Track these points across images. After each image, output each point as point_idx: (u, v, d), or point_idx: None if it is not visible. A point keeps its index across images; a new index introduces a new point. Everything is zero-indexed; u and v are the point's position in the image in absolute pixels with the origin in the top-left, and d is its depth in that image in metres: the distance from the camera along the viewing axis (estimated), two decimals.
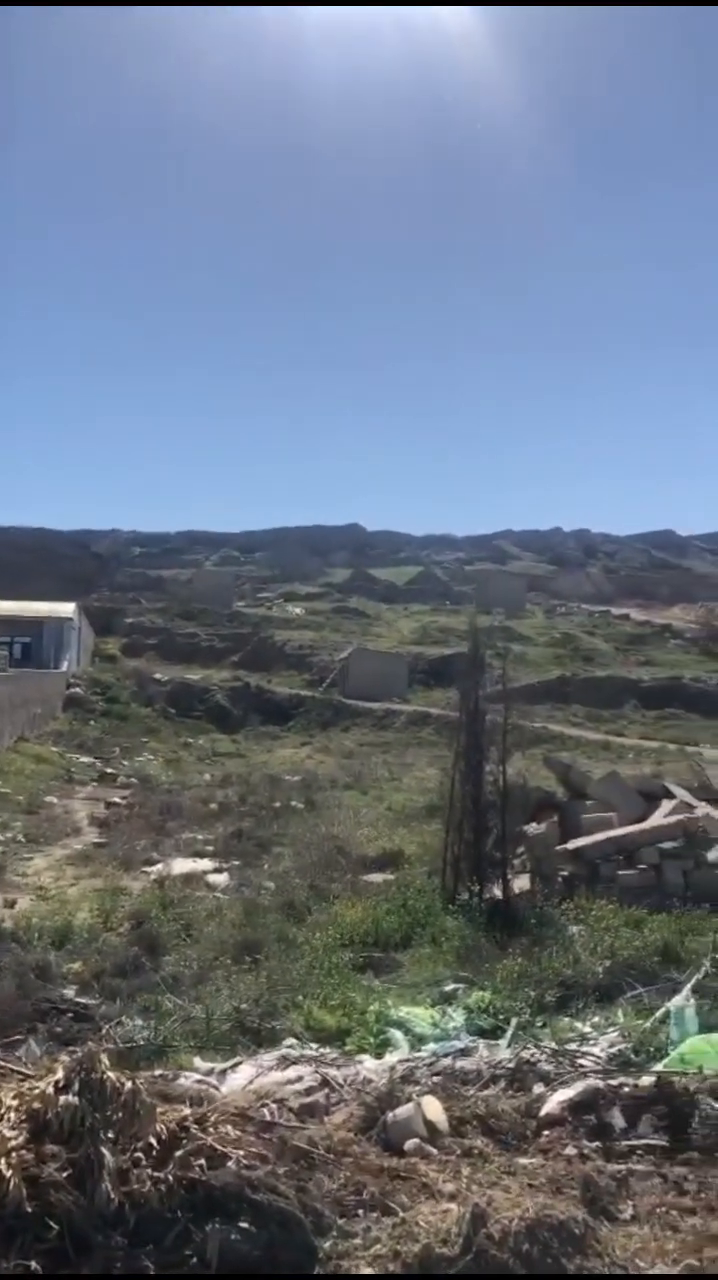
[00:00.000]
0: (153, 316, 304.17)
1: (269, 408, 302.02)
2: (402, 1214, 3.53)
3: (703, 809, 14.31)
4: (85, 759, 32.46)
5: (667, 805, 14.34)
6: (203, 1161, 3.39)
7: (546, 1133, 4.79)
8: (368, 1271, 3.10)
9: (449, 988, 8.44)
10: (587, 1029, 7.30)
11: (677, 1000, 7.21)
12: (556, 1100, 5.05)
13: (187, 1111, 3.81)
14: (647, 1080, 5.14)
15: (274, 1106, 4.24)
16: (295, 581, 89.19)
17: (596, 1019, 7.64)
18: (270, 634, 62.95)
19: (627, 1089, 5.03)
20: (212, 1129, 3.64)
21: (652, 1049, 6.59)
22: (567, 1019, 7.69)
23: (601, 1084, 5.12)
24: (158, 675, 51.81)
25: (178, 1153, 3.40)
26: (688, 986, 7.68)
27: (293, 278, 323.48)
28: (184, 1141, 3.49)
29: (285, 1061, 6.56)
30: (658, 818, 13.81)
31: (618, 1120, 4.76)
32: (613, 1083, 5.15)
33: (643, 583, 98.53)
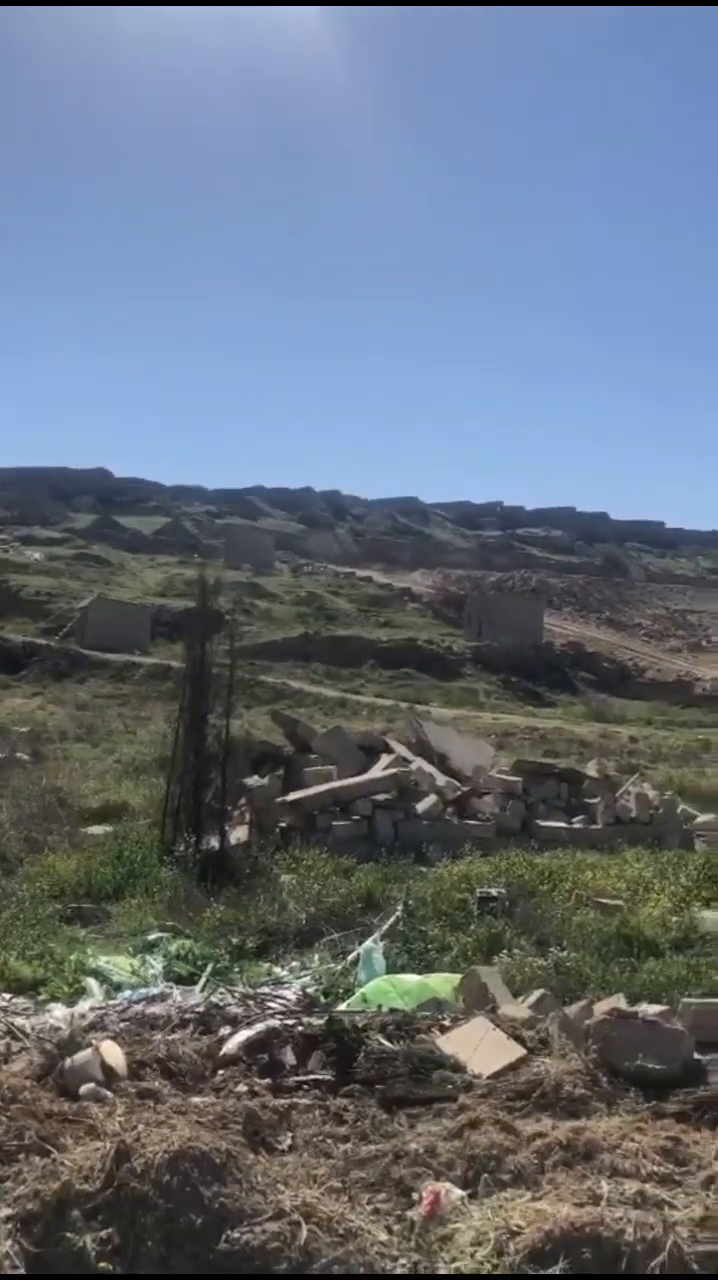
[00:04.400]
0: None
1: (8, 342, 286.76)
2: (55, 1155, 3.55)
3: (418, 763, 15.03)
4: None
5: (385, 760, 14.94)
6: None
7: (221, 1072, 4.93)
8: (7, 1212, 3.10)
9: (153, 936, 8.47)
10: (283, 973, 7.55)
11: (367, 944, 7.57)
12: (235, 1041, 5.19)
13: None
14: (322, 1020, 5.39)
15: None
16: (35, 525, 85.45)
17: (294, 964, 7.90)
18: (5, 579, 60.09)
19: (300, 1028, 5.25)
20: None
21: (341, 990, 6.90)
22: (266, 964, 7.92)
23: (278, 1024, 5.32)
24: None
25: None
26: (380, 931, 8.08)
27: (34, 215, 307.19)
28: None
29: None
30: (376, 771, 14.37)
31: (289, 1058, 4.97)
32: (289, 1022, 5.36)
33: (387, 547, 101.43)
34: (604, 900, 10.05)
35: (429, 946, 8.10)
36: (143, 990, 6.83)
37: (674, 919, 9.52)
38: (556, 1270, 2.99)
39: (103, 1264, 3.02)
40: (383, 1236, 3.32)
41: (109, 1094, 4.57)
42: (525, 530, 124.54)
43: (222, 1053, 5.12)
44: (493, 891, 9.77)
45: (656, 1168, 3.80)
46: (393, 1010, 5.83)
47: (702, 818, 15.25)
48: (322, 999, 6.64)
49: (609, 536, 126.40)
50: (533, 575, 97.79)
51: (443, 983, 6.76)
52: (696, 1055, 4.94)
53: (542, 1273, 3.00)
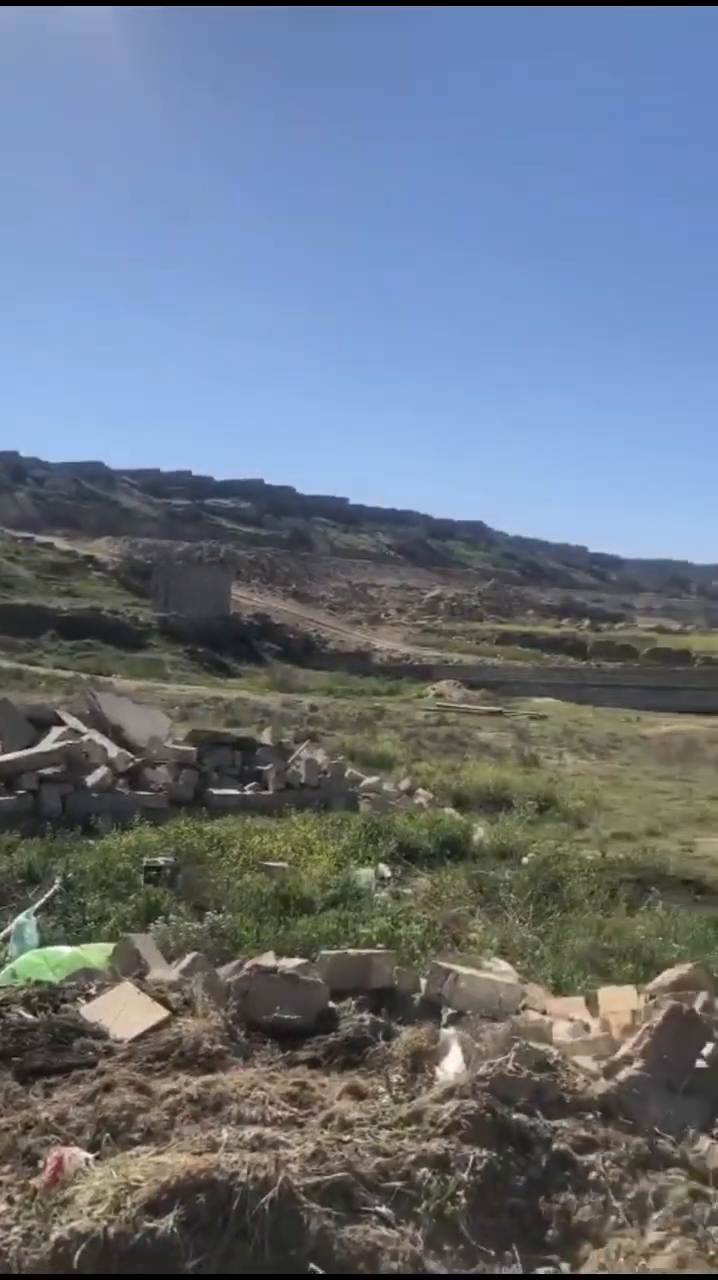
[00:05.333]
0: None
1: None
2: None
3: (90, 735, 14.72)
4: None
5: (56, 732, 14.52)
6: None
7: None
8: None
9: None
10: None
11: (19, 919, 7.37)
12: None
13: None
14: None
15: None
16: None
17: None
18: None
19: None
20: None
21: None
22: None
23: None
24: None
25: None
26: (35, 905, 7.89)
27: None
28: None
29: None
30: (45, 744, 13.94)
31: None
32: None
33: (71, 512, 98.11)
34: (270, 864, 10.34)
35: (88, 918, 8.01)
36: None
37: (334, 877, 9.95)
38: (169, 1219, 3.08)
39: None
40: (1, 1207, 3.28)
41: None
42: (214, 501, 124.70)
43: None
44: (159, 860, 9.79)
45: (280, 1112, 3.99)
46: (38, 982, 5.72)
47: (367, 780, 16.02)
48: None
49: (296, 510, 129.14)
50: (221, 546, 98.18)
51: (98, 953, 6.70)
52: (330, 1004, 5.21)
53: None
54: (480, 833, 12.71)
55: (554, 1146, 3.57)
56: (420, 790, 16.01)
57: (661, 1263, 3.15)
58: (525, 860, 10.83)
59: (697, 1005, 4.44)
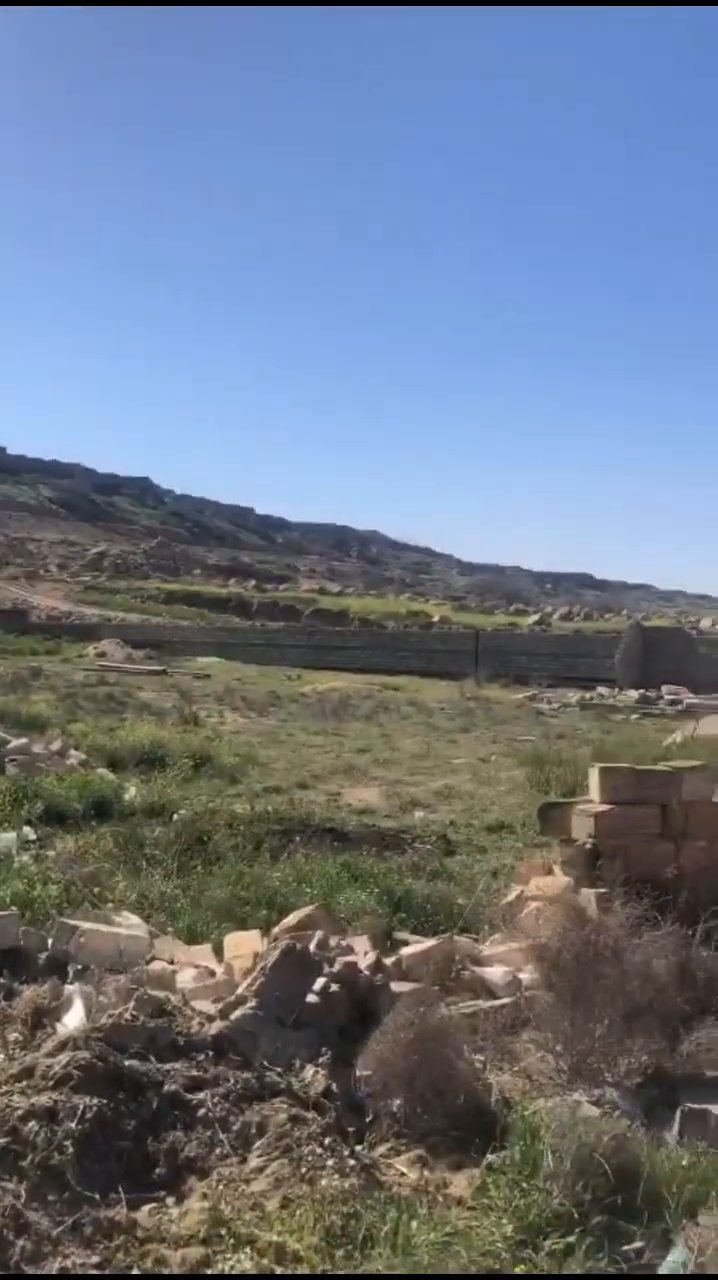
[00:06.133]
0: None
1: None
2: None
3: None
4: None
5: None
6: None
7: None
8: None
9: None
10: None
11: None
12: None
13: None
14: None
15: None
16: None
17: None
18: None
19: None
20: None
21: None
22: None
23: None
24: None
25: None
26: None
27: None
28: None
29: None
30: None
31: None
32: None
33: None
34: None
35: None
36: None
37: None
38: None
39: None
40: None
41: None
42: None
43: None
44: None
45: None
46: None
47: (15, 742, 15.42)
48: None
49: None
50: None
51: None
52: None
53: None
54: (132, 792, 12.62)
55: (166, 1088, 3.68)
56: (73, 751, 15.63)
57: (260, 1185, 3.35)
58: (176, 817, 10.91)
59: (312, 944, 4.71)
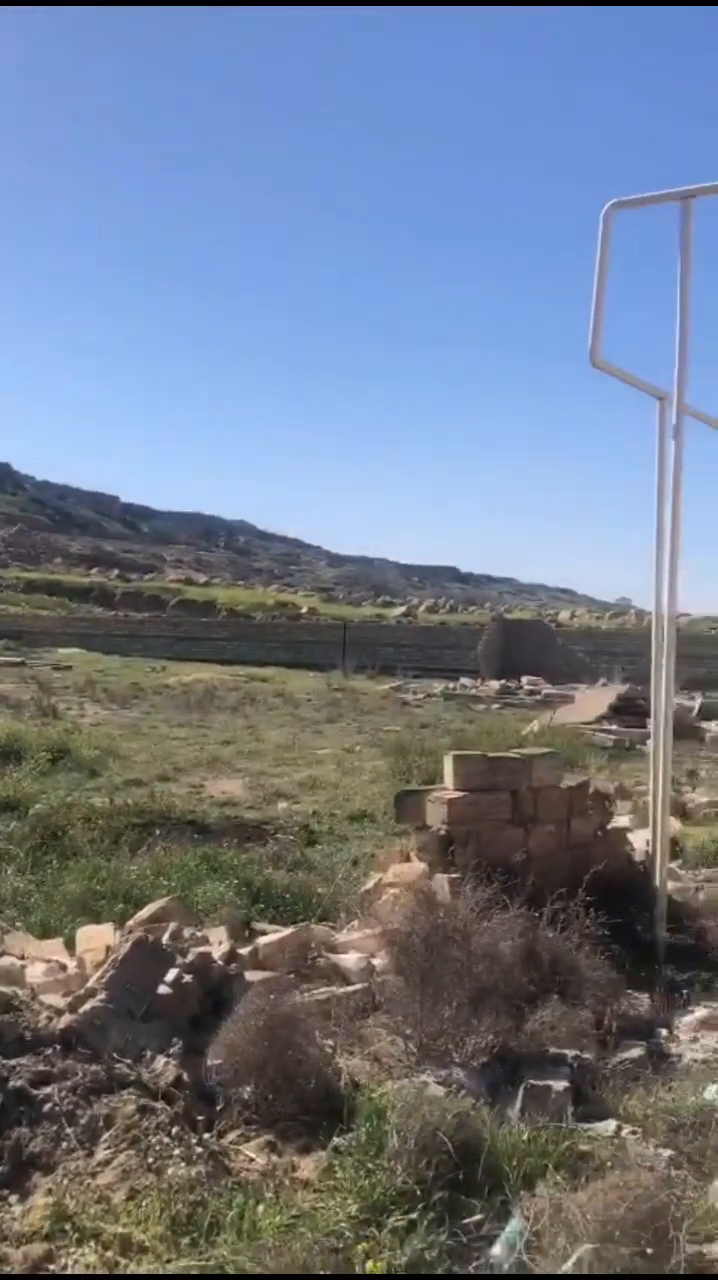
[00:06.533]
0: None
1: None
2: None
3: None
4: None
5: None
6: None
7: None
8: None
9: None
10: None
11: None
12: None
13: None
14: None
15: None
16: None
17: None
18: None
19: None
20: None
21: None
22: None
23: None
24: None
25: None
26: None
27: None
28: None
29: None
30: None
31: None
32: None
33: None
34: None
35: None
36: None
37: None
38: None
39: None
40: None
41: None
42: None
43: None
44: None
45: None
46: None
47: None
48: None
49: None
50: None
51: None
52: None
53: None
54: None
55: (11, 1084, 3.62)
56: None
57: (107, 1178, 3.33)
58: (31, 812, 10.66)
59: (165, 936, 4.69)
